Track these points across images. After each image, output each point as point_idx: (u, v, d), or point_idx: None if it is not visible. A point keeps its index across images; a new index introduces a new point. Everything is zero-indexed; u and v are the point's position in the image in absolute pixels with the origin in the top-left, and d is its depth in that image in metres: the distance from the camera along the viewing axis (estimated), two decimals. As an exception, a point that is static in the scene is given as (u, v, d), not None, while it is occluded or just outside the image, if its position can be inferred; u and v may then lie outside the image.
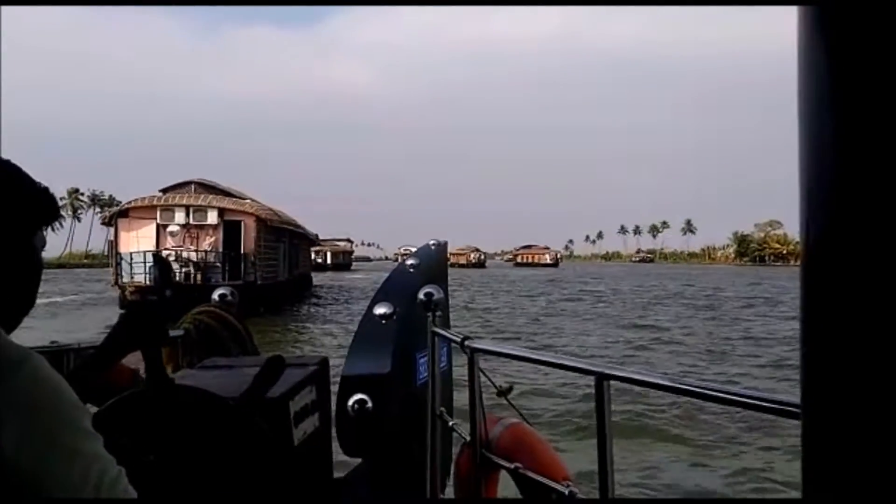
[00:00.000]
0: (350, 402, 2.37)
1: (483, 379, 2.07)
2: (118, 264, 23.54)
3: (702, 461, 6.66)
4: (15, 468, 0.87)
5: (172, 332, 2.26)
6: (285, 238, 29.82)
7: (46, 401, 0.91)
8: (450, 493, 2.51)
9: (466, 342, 2.01)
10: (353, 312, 23.27)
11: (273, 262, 27.18)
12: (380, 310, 2.81)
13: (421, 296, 2.50)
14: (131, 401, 1.32)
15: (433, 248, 3.67)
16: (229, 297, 2.37)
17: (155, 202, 25.04)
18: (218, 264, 24.26)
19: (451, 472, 2.44)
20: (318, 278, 43.51)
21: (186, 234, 24.60)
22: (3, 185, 0.99)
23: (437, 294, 2.54)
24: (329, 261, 74.31)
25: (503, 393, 2.18)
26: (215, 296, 2.40)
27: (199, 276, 23.43)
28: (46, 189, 1.05)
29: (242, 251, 25.00)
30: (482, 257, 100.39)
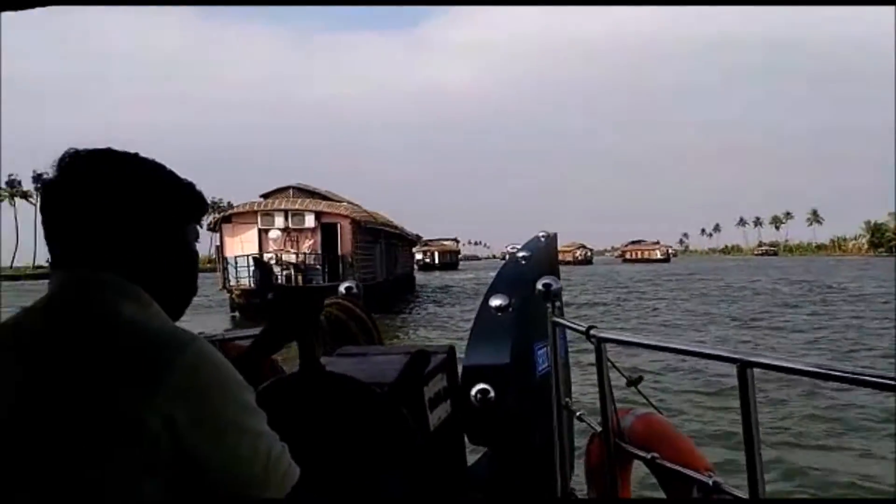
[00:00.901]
0: (473, 392, 2.47)
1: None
2: (224, 268, 25.11)
3: (859, 455, 6.24)
4: (186, 446, 0.96)
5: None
6: (382, 239, 30.69)
7: (214, 380, 0.99)
8: (575, 481, 2.56)
9: (592, 331, 2.05)
10: (452, 315, 23.56)
11: (370, 263, 28.04)
12: (495, 301, 2.90)
13: (539, 286, 2.56)
14: (286, 383, 1.45)
15: (543, 239, 3.73)
16: (355, 290, 2.54)
17: (256, 207, 26.52)
18: (318, 266, 25.37)
19: (580, 461, 2.49)
20: (424, 278, 44.20)
21: (286, 238, 25.90)
22: (154, 182, 1.11)
23: (555, 284, 2.60)
24: (437, 260, 75.62)
25: (633, 383, 2.20)
26: (342, 289, 2.57)
27: (300, 278, 24.61)
28: (192, 184, 1.17)
29: (340, 253, 26.01)
30: (588, 254, 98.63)
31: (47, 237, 1.10)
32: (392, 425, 1.45)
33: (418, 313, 25.72)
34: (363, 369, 1.72)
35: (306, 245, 26.16)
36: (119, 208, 1.07)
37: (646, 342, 2.19)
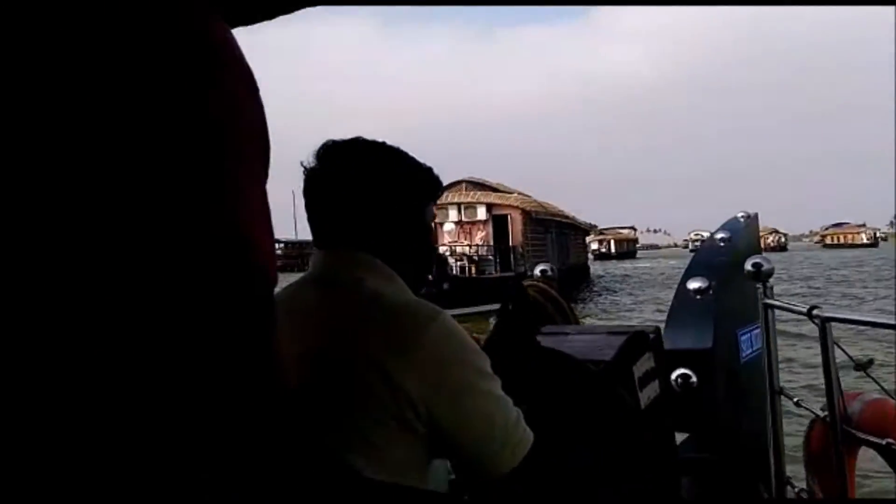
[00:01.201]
0: (674, 377, 2.44)
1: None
2: (405, 261, 26.33)
3: None
4: (433, 409, 1.04)
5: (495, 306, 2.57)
6: (553, 229, 30.58)
7: (457, 350, 1.09)
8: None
9: (815, 311, 1.95)
10: (631, 306, 22.88)
11: (541, 254, 28.03)
12: (694, 284, 2.83)
13: (748, 266, 2.47)
14: (505, 357, 1.55)
15: (742, 220, 3.55)
16: (549, 273, 2.61)
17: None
18: (490, 257, 25.85)
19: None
20: (600, 268, 43.39)
21: (460, 230, 26.65)
22: (399, 166, 1.22)
23: (766, 265, 2.48)
24: (613, 250, 73.61)
25: (862, 366, 2.05)
26: (537, 271, 2.66)
27: (473, 269, 25.22)
28: (431, 168, 1.27)
29: (511, 244, 26.30)
30: (782, 240, 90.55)
31: (309, 219, 1.24)
32: (610, 402, 1.49)
33: (594, 302, 25.28)
34: (569, 348, 1.77)
35: (478, 237, 26.76)
36: (368, 191, 1.18)
37: (879, 321, 2.03)
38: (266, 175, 0.68)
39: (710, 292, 2.81)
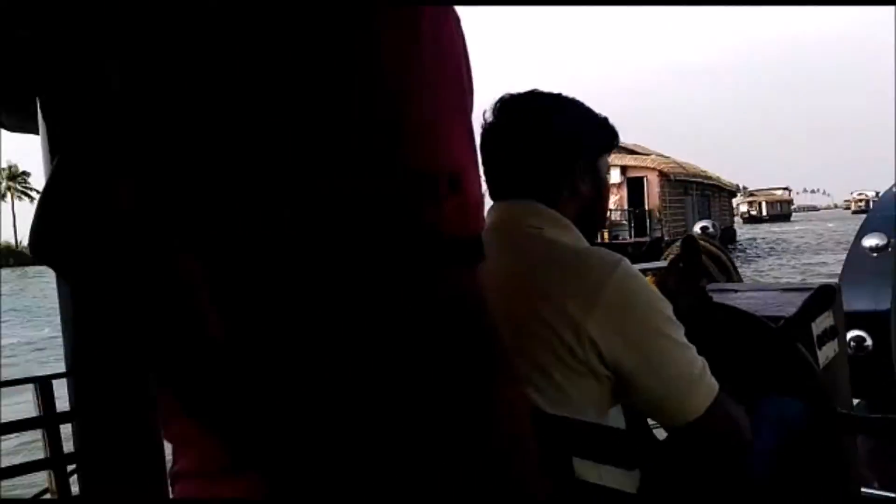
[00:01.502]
0: (847, 339, 2.31)
1: None
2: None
3: None
4: (618, 355, 1.05)
5: (657, 264, 2.54)
6: (693, 191, 29.09)
7: (642, 296, 1.08)
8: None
9: None
10: (773, 271, 21.48)
11: (680, 217, 26.83)
12: (870, 241, 2.67)
13: (938, 218, 2.28)
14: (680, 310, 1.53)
15: (925, 172, 3.27)
16: (710, 230, 2.56)
17: (563, 165, 27.03)
18: (624, 222, 25.08)
19: None
20: (749, 232, 41.02)
21: (592, 195, 25.99)
22: (574, 117, 1.23)
23: (958, 216, 2.28)
24: (764, 212, 68.72)
25: None
26: (697, 228, 2.61)
27: (606, 234, 24.60)
28: (607, 119, 1.26)
29: (647, 207, 25.34)
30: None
31: (485, 173, 1.25)
32: (792, 359, 1.45)
33: (739, 268, 23.89)
34: (741, 305, 1.72)
35: (612, 201, 26.01)
36: (544, 142, 1.20)
37: None
38: (470, 113, 0.71)
39: (889, 249, 2.63)
